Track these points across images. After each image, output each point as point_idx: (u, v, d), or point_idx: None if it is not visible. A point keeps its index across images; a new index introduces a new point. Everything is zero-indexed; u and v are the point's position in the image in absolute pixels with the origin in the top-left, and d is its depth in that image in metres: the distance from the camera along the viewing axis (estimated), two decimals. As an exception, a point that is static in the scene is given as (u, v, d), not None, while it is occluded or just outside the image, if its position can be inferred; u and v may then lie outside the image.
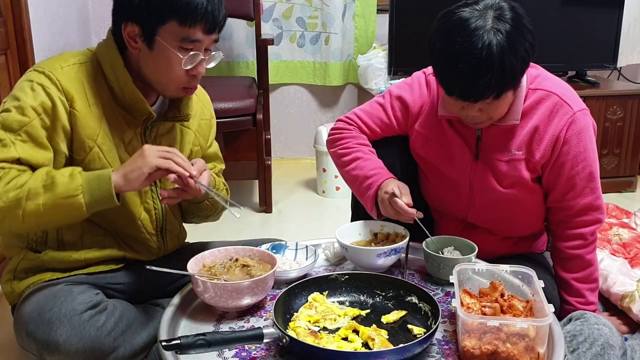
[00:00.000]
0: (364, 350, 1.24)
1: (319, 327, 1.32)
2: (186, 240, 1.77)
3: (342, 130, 1.77)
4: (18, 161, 1.35)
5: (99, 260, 1.54)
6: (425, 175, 1.79)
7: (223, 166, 1.82)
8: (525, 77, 1.58)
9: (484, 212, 1.72)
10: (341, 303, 1.42)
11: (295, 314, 1.35)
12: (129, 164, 1.36)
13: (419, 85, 1.73)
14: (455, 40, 1.42)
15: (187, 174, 1.36)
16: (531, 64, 1.60)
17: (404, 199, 1.55)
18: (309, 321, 1.32)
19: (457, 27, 1.43)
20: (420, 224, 1.55)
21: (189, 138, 1.64)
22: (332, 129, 1.80)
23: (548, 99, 1.59)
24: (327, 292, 1.42)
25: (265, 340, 1.22)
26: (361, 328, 1.30)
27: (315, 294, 1.40)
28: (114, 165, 1.46)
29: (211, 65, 1.49)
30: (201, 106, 1.68)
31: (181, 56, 1.41)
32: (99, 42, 1.52)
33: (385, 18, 3.26)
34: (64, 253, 1.51)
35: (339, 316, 1.36)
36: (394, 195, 1.55)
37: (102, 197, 1.34)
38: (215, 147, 1.77)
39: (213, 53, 1.48)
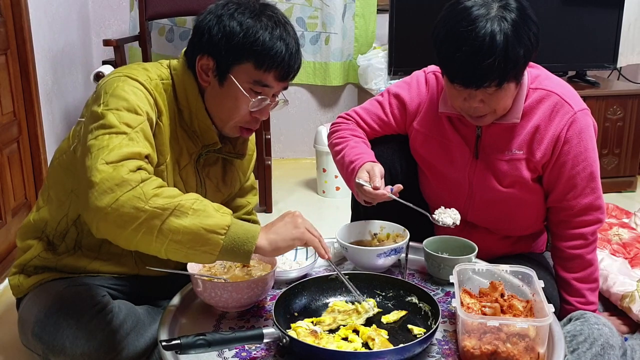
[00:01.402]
0: (364, 350, 1.24)
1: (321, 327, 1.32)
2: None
3: (339, 124, 1.80)
4: (147, 158, 1.30)
5: (112, 272, 1.54)
6: (425, 175, 1.79)
7: (257, 198, 1.85)
8: (526, 76, 1.58)
9: (483, 212, 1.72)
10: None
11: (314, 318, 1.35)
12: (281, 230, 1.29)
13: (418, 83, 1.74)
14: (460, 24, 1.43)
15: (326, 257, 1.33)
16: (532, 63, 1.60)
17: (374, 183, 1.53)
18: (312, 322, 1.32)
19: (460, 14, 1.44)
20: (399, 199, 1.54)
21: (231, 174, 1.66)
22: (331, 124, 1.82)
23: (549, 99, 1.60)
24: (341, 295, 1.43)
25: (265, 340, 1.22)
26: (361, 328, 1.30)
27: (335, 301, 1.41)
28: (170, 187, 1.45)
29: (275, 110, 1.52)
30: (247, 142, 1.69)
31: (249, 98, 1.42)
32: (173, 63, 1.51)
33: (385, 18, 3.27)
34: (80, 262, 1.51)
35: (359, 313, 1.36)
36: (360, 185, 1.54)
37: (239, 250, 1.22)
38: (251, 179, 1.81)
39: (279, 100, 1.49)
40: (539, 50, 1.49)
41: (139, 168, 1.24)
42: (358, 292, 1.38)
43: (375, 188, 1.52)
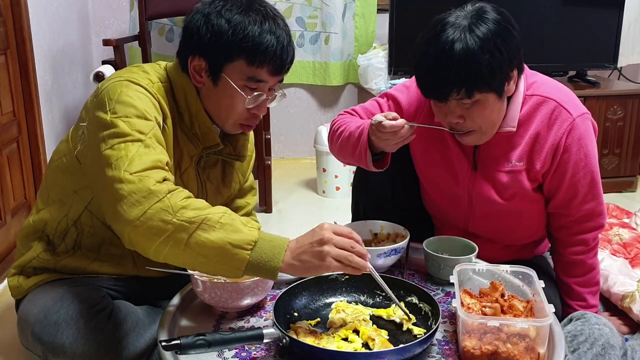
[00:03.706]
0: (364, 350, 1.24)
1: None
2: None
3: (339, 116, 1.76)
4: (167, 165, 1.28)
5: (111, 273, 1.54)
6: (424, 188, 1.78)
7: (256, 198, 1.83)
8: (522, 83, 1.55)
9: (484, 223, 1.70)
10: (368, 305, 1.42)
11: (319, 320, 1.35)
12: (306, 260, 1.20)
13: (417, 87, 1.71)
14: (425, 37, 1.43)
15: (367, 270, 1.25)
16: (528, 69, 1.58)
17: (390, 117, 1.47)
18: (309, 324, 1.32)
19: (433, 28, 1.44)
20: (419, 125, 1.50)
21: (230, 176, 1.65)
22: (332, 121, 1.79)
23: (546, 106, 1.56)
24: (341, 295, 1.43)
25: (265, 340, 1.21)
26: (361, 328, 1.30)
27: (337, 302, 1.41)
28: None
29: (273, 104, 1.50)
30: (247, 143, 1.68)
31: (245, 95, 1.41)
32: (169, 65, 1.50)
33: (385, 18, 3.27)
34: (79, 262, 1.51)
35: (368, 315, 1.36)
36: (379, 123, 1.46)
37: (265, 266, 1.19)
38: (250, 180, 1.79)
39: (276, 93, 1.47)
40: (522, 56, 1.47)
41: (165, 179, 1.23)
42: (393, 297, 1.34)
43: (394, 118, 1.46)
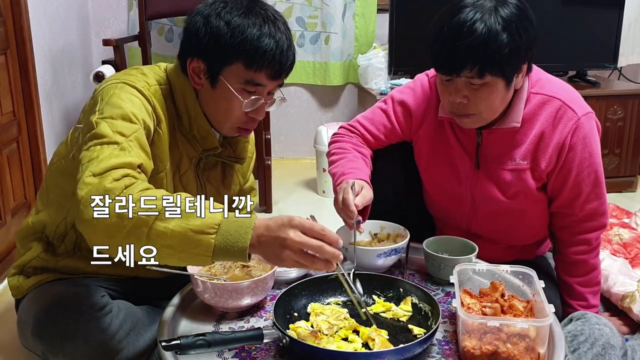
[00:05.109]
0: (364, 350, 1.24)
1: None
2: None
3: (342, 135, 1.75)
4: (139, 168, 1.24)
5: (110, 274, 1.53)
6: (426, 188, 1.78)
7: (256, 199, 1.82)
8: (527, 80, 1.55)
9: (487, 223, 1.70)
10: (343, 304, 1.42)
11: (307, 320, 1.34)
12: (267, 247, 1.14)
13: (422, 88, 1.70)
14: (447, 11, 1.44)
15: (332, 267, 1.18)
16: (533, 66, 1.58)
17: (357, 199, 1.47)
18: (309, 324, 1.32)
19: (452, 8, 1.44)
20: (354, 228, 1.48)
21: (230, 177, 1.64)
22: (333, 134, 1.78)
23: (551, 104, 1.56)
24: (341, 295, 1.43)
25: (265, 341, 1.21)
26: (361, 328, 1.30)
27: (312, 304, 1.39)
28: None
29: (272, 109, 1.48)
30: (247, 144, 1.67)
31: (242, 99, 1.40)
32: (169, 67, 1.49)
33: (385, 18, 3.27)
34: (79, 263, 1.50)
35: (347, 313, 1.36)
36: (350, 187, 1.48)
37: (232, 248, 1.12)
38: (251, 181, 1.78)
39: (275, 97, 1.46)
40: (535, 51, 1.47)
41: (125, 175, 1.19)
42: (359, 294, 1.35)
43: (356, 205, 1.46)
